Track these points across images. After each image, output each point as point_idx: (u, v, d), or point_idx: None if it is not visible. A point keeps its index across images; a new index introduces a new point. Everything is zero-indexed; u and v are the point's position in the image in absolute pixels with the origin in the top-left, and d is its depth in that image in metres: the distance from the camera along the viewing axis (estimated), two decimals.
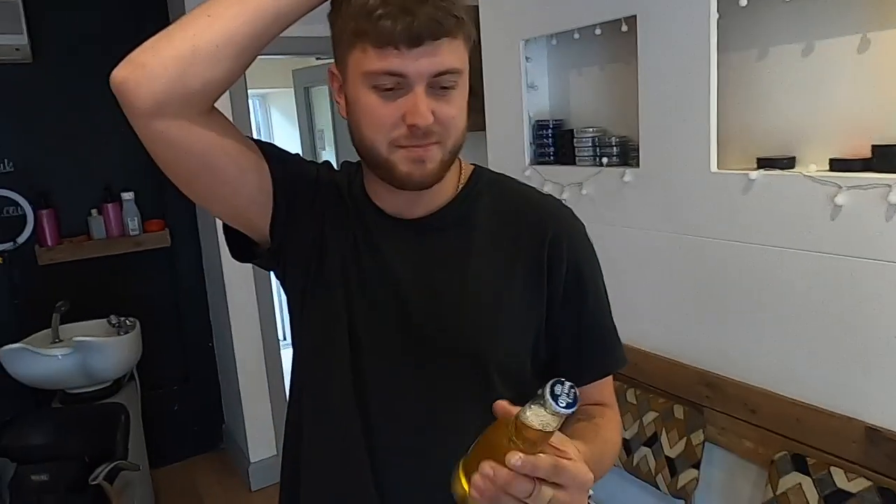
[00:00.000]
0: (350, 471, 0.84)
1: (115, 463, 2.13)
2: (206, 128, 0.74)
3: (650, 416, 1.78)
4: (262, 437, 3.08)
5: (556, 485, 0.61)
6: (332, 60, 0.81)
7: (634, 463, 1.81)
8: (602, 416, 0.87)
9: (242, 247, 0.88)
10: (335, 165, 0.94)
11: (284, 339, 3.91)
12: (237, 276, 2.90)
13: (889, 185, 1.26)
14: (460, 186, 0.87)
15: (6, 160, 2.73)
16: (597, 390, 0.89)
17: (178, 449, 3.30)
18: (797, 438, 1.48)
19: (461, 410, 0.81)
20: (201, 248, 3.28)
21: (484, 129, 2.36)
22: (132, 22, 2.81)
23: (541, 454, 0.60)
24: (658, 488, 1.74)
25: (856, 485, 1.35)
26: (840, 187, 1.34)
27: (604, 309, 0.90)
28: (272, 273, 0.93)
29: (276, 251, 0.86)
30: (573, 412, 0.58)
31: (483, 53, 2.29)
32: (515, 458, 0.59)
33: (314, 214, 0.85)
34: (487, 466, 0.60)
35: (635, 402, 1.83)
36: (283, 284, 0.91)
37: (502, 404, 0.64)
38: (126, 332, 2.68)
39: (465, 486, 0.64)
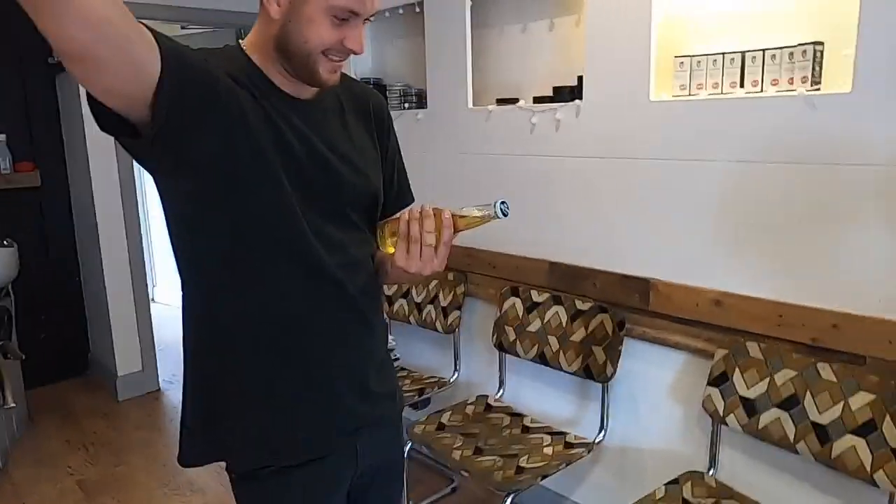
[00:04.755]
0: (333, 304, 1.05)
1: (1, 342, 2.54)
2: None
3: (433, 283, 2.53)
4: (128, 356, 3.51)
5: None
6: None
7: (422, 317, 2.55)
8: None
9: (113, 122, 0.85)
10: None
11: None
12: (109, 217, 3.34)
13: (555, 109, 2.09)
14: None
15: None
16: None
17: (46, 374, 3.63)
18: (514, 278, 2.29)
19: (367, 231, 1.13)
20: (69, 189, 3.65)
21: None
22: None
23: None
24: (437, 330, 2.50)
25: (542, 297, 2.17)
26: (534, 112, 2.16)
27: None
28: (147, 167, 0.95)
29: (167, 135, 0.86)
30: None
31: None
32: (449, 235, 1.00)
33: (223, 97, 0.92)
34: (428, 224, 0.98)
35: None
36: (176, 172, 0.94)
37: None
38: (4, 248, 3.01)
39: (390, 242, 1.03)
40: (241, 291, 1.01)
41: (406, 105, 2.68)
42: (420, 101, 2.66)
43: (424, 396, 2.38)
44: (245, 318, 1.02)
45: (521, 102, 2.23)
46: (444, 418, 2.15)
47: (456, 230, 0.99)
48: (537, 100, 2.20)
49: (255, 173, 0.95)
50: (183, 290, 1.06)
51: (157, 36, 0.82)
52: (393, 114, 2.71)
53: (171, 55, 0.83)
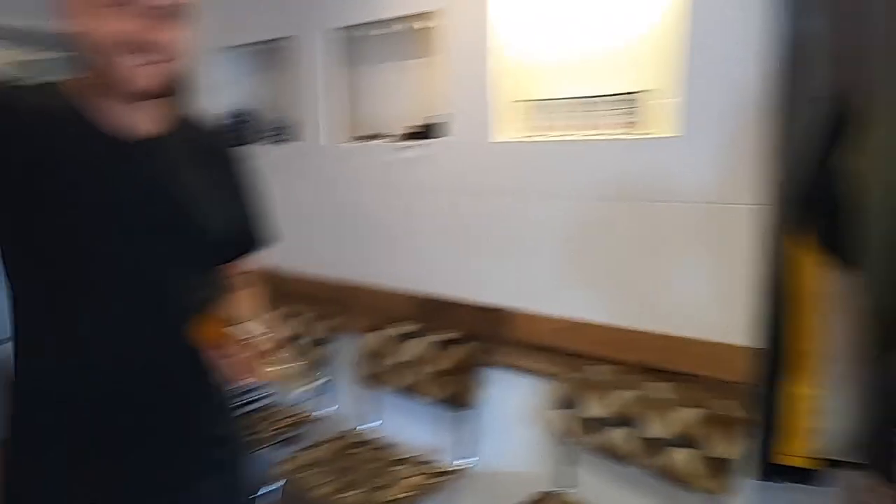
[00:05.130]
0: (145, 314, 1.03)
1: None
2: None
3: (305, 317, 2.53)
4: None
5: None
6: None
7: None
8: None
9: None
10: None
11: None
12: None
13: (413, 147, 2.17)
14: (164, 114, 1.05)
15: None
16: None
17: None
18: (382, 312, 2.33)
19: (202, 275, 1.11)
20: None
21: None
22: None
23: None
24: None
25: (409, 329, 2.22)
26: (394, 149, 2.23)
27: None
28: None
29: None
30: None
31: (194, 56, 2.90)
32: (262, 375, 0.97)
33: (22, 133, 0.91)
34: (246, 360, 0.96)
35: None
36: None
37: None
38: None
39: (207, 339, 0.99)
40: (46, 340, 0.99)
41: (274, 139, 2.67)
42: (290, 135, 2.67)
43: (295, 433, 2.35)
44: (54, 351, 0.99)
45: (387, 139, 2.29)
46: (312, 454, 2.13)
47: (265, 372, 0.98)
48: (404, 136, 2.28)
49: (63, 214, 0.93)
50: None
51: None
52: (260, 148, 2.74)
53: None
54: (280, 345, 0.99)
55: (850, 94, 1.35)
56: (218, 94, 2.81)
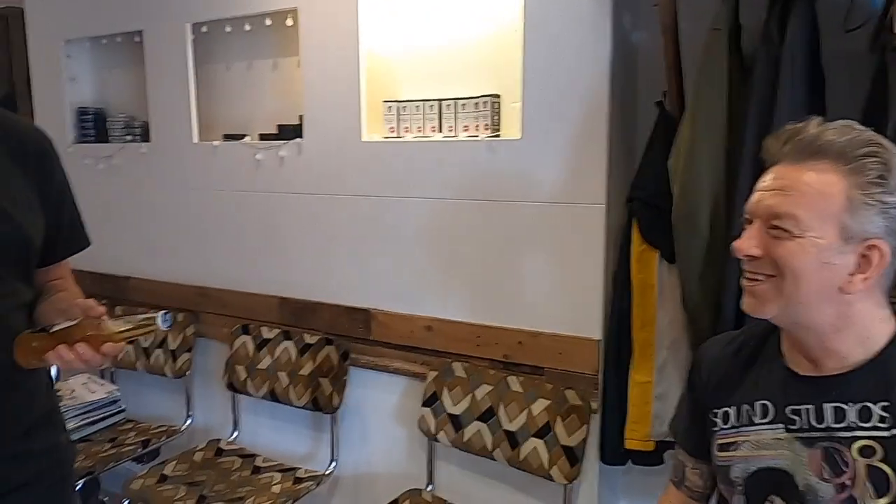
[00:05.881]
0: None
1: None
2: None
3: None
4: None
5: None
6: None
7: (150, 362, 2.39)
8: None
9: None
10: None
11: None
12: None
13: (279, 147, 2.12)
14: None
15: None
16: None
17: None
18: (246, 316, 2.25)
19: (15, 282, 1.05)
20: None
21: (32, 116, 2.72)
22: None
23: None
24: (165, 375, 2.36)
25: (273, 333, 2.16)
26: (258, 149, 2.16)
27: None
28: None
29: None
30: None
31: (29, 51, 2.68)
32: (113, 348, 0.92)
33: None
34: (81, 348, 0.90)
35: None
36: None
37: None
38: None
39: (37, 356, 0.93)
40: None
41: (129, 138, 2.52)
42: (144, 134, 2.52)
43: (150, 448, 2.22)
44: None
45: (247, 139, 2.22)
46: (168, 469, 2.02)
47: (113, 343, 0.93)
48: (263, 137, 2.21)
49: None
50: None
51: None
52: (115, 146, 2.57)
53: None
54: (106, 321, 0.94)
55: (670, 99, 1.46)
56: (66, 90, 2.62)
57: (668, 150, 1.47)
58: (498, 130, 1.82)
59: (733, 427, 0.95)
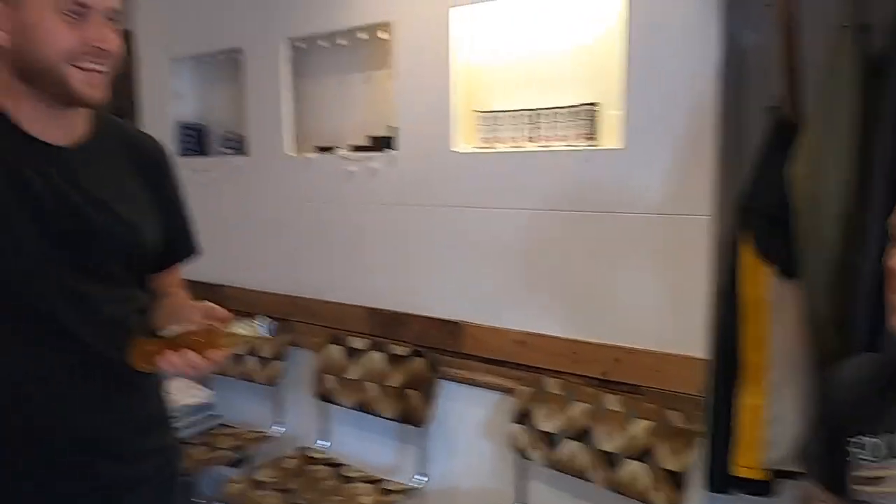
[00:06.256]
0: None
1: None
2: None
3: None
4: None
5: None
6: None
7: (243, 369, 2.45)
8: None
9: None
10: None
11: None
12: None
13: (371, 158, 2.13)
14: (91, 122, 1.03)
15: None
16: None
17: None
18: (336, 326, 2.28)
19: (132, 286, 1.08)
20: None
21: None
22: None
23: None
24: (257, 382, 2.41)
25: (362, 344, 2.17)
26: (351, 160, 2.19)
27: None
28: None
29: None
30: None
31: (138, 69, 2.83)
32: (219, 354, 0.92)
33: None
34: (190, 354, 0.90)
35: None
36: None
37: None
38: None
39: (149, 360, 0.94)
40: None
41: (228, 151, 2.61)
42: (242, 147, 2.61)
43: (243, 453, 2.27)
44: None
45: (340, 151, 2.26)
46: (261, 475, 2.06)
47: (219, 350, 0.94)
48: (355, 149, 2.24)
49: None
50: None
51: None
52: (215, 160, 2.67)
53: None
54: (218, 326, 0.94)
55: (787, 103, 1.37)
56: (171, 105, 2.75)
57: (785, 158, 1.38)
58: (595, 139, 1.76)
59: (881, 458, 0.86)
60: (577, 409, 1.73)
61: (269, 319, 0.94)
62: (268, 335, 0.93)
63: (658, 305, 1.66)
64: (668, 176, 1.61)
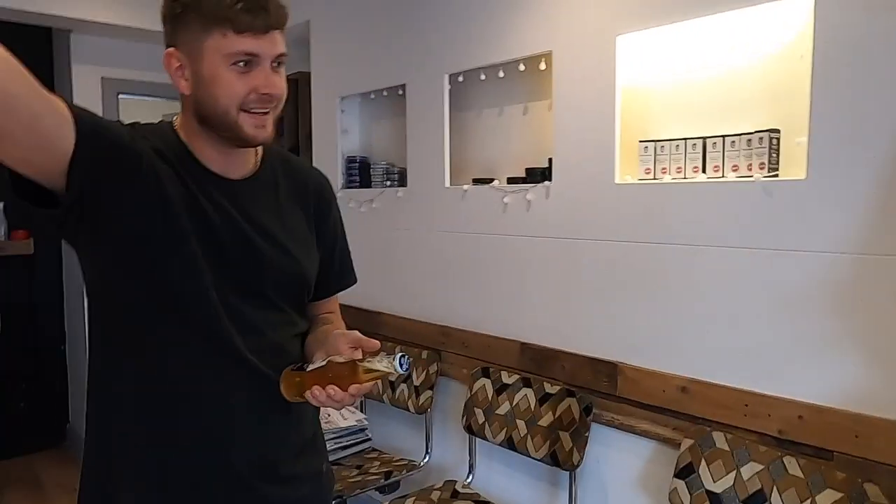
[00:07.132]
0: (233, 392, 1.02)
1: None
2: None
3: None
4: None
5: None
6: None
7: (395, 396, 2.49)
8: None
9: (31, 190, 0.86)
10: None
11: None
12: None
13: (527, 190, 2.10)
14: (259, 157, 1.10)
15: None
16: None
17: (21, 444, 3.55)
18: (486, 358, 2.24)
19: (292, 313, 1.11)
20: (62, 259, 3.68)
21: (311, 163, 3.08)
22: None
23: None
24: (408, 409, 2.43)
25: (512, 379, 2.12)
26: (506, 192, 2.17)
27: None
28: (66, 238, 0.97)
29: (82, 207, 0.88)
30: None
31: (312, 108, 3.05)
32: (359, 389, 0.93)
33: (143, 173, 0.93)
34: (332, 389, 0.92)
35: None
36: (92, 245, 0.96)
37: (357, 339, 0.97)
38: None
39: (297, 392, 0.98)
40: (141, 371, 0.99)
41: (388, 183, 2.71)
42: (401, 179, 2.70)
43: (392, 479, 2.29)
44: (143, 398, 1.00)
45: (496, 182, 2.25)
46: (406, 503, 2.06)
47: (360, 385, 0.94)
48: (511, 180, 2.22)
49: (169, 251, 0.95)
50: (89, 364, 1.04)
51: (74, 110, 0.84)
52: (376, 191, 2.79)
53: (88, 129, 0.85)
54: (359, 360, 0.95)
55: None
56: (339, 139, 2.92)
57: None
58: (776, 169, 1.60)
59: None
60: (750, 470, 1.54)
61: (403, 355, 0.92)
62: (403, 372, 0.92)
63: (850, 357, 1.44)
64: (863, 209, 1.41)
